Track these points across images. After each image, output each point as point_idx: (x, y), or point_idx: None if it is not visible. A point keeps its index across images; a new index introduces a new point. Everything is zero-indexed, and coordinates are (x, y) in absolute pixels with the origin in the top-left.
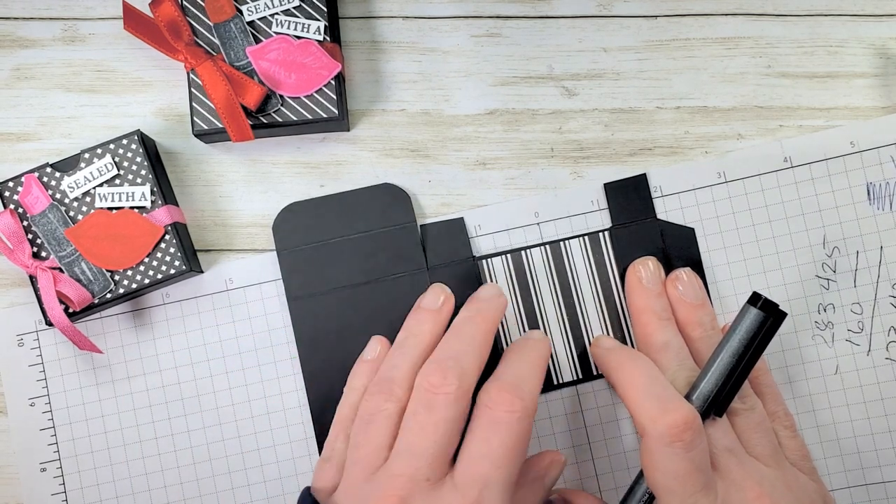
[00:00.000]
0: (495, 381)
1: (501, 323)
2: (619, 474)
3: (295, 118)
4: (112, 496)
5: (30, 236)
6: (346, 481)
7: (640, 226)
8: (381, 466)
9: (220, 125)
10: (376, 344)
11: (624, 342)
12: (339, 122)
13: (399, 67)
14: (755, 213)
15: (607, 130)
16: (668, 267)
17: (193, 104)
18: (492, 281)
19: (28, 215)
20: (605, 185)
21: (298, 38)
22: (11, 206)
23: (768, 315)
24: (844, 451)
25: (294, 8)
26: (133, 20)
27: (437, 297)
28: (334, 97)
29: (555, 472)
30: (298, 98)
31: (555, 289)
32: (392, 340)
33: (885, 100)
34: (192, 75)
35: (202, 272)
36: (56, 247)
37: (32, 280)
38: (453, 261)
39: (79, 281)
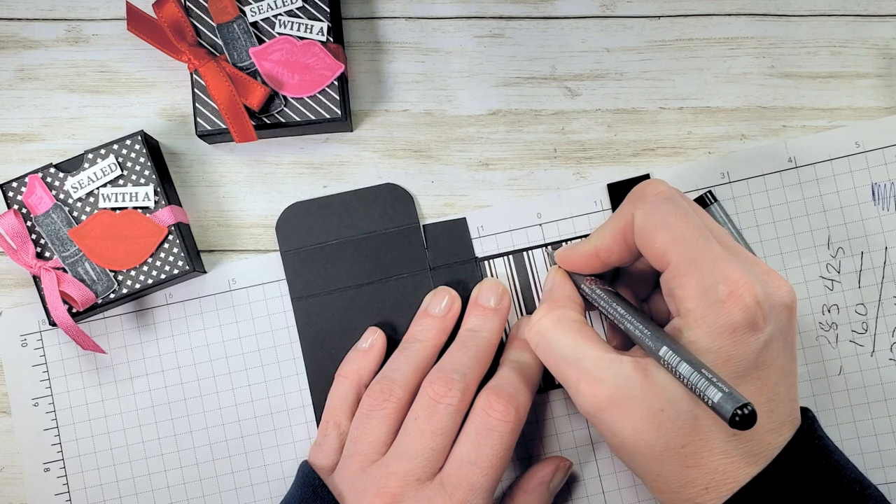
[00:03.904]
0: (494, 388)
1: None
2: (622, 475)
3: (298, 119)
4: (115, 496)
5: (33, 236)
6: (343, 469)
7: None
8: (376, 461)
9: (224, 126)
10: (370, 334)
11: (626, 347)
12: (342, 122)
13: (402, 68)
14: (759, 213)
15: (610, 131)
16: None
17: (197, 105)
18: None
19: (32, 215)
20: (608, 185)
21: (301, 38)
22: (15, 207)
23: None
24: (848, 452)
25: (297, 9)
26: (136, 21)
27: (442, 301)
28: (337, 98)
29: (559, 477)
30: (301, 99)
31: None
32: (394, 340)
33: (888, 100)
34: (195, 76)
35: (205, 272)
36: (60, 247)
37: (36, 280)
38: (456, 261)
39: (82, 281)
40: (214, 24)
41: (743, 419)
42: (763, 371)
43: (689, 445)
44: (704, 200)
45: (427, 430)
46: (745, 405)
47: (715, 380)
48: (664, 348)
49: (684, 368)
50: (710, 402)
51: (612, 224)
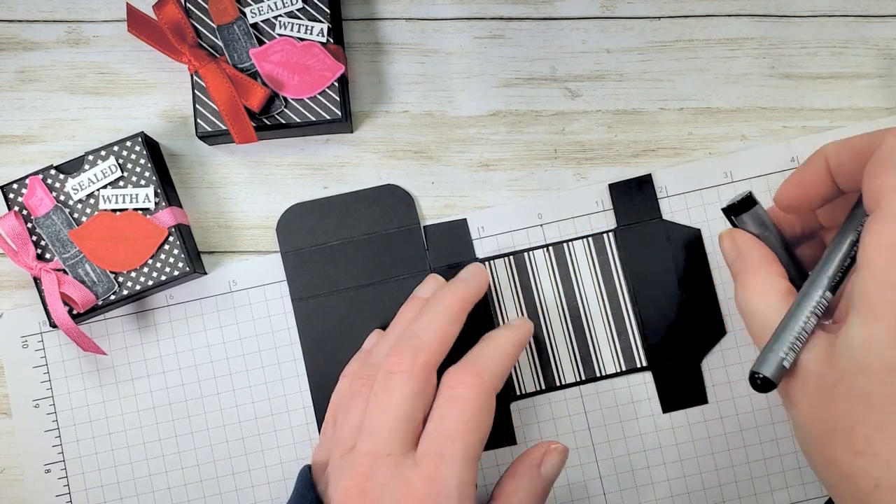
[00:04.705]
0: (459, 363)
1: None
2: (622, 476)
3: (298, 120)
4: (116, 497)
5: (34, 238)
6: (331, 460)
7: (645, 226)
8: (354, 447)
9: (224, 127)
10: (374, 337)
11: (629, 347)
12: (343, 123)
13: (402, 69)
14: None
15: (610, 132)
16: (676, 268)
17: (197, 106)
18: (494, 282)
19: (32, 217)
20: (609, 185)
21: (302, 40)
22: (16, 208)
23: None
24: None
25: (297, 10)
26: (137, 22)
27: (429, 287)
28: (338, 99)
29: (552, 460)
30: (302, 100)
31: (558, 290)
32: None
33: (888, 101)
34: (195, 77)
35: (206, 274)
36: (60, 248)
37: (36, 282)
38: (456, 262)
39: (83, 282)
40: (215, 26)
41: (760, 382)
42: None
43: (860, 427)
44: (751, 201)
45: (386, 402)
46: (759, 374)
47: (794, 343)
48: (816, 289)
49: (801, 312)
50: (765, 351)
51: (853, 142)
